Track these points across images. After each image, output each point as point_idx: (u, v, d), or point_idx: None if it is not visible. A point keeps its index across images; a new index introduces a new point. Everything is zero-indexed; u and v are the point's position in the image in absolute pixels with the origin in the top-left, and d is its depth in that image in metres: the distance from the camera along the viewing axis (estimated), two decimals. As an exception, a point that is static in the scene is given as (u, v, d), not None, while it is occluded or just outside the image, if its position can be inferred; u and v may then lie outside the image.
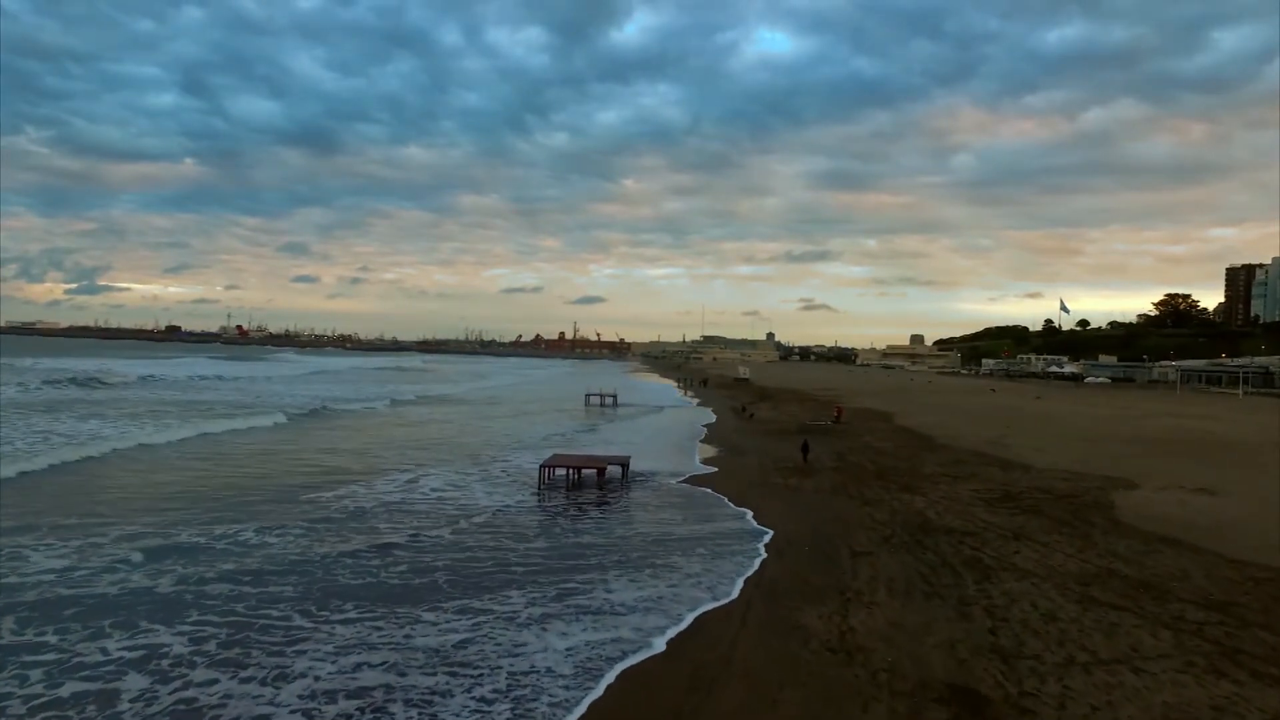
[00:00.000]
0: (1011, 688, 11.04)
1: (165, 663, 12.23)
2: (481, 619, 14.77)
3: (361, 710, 11.05)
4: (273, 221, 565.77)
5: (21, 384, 66.37)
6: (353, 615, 14.79)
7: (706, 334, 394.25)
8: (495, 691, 11.74)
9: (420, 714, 11.04)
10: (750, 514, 23.92)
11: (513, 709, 11.22)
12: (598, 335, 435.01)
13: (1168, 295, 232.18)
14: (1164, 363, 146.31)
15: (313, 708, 11.06)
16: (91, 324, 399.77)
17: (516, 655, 13.09)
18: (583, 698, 11.59)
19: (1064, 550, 18.56)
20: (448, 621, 14.64)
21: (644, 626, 14.49)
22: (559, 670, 12.54)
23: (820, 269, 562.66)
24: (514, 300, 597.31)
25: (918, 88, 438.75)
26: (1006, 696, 10.79)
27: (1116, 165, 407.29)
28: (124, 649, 12.67)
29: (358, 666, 12.46)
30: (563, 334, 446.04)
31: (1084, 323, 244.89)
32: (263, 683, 11.75)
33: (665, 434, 49.25)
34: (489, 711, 11.14)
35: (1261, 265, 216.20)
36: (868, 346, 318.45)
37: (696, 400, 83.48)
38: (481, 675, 12.28)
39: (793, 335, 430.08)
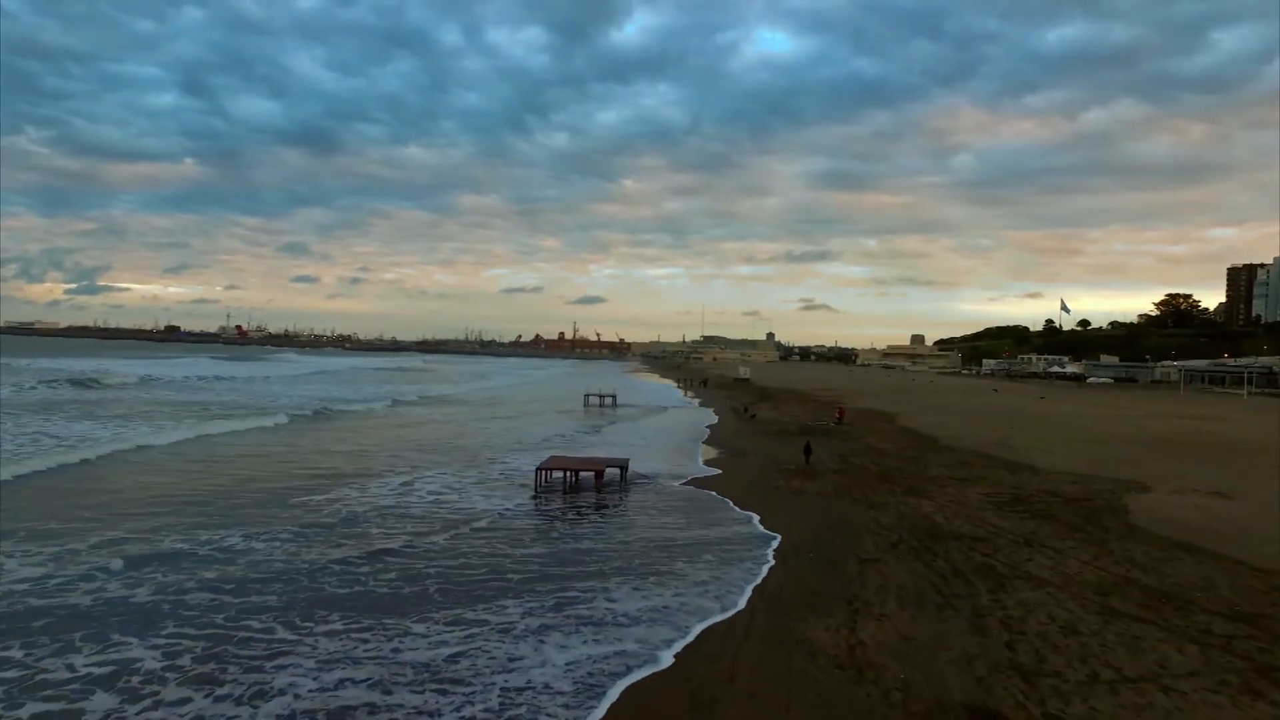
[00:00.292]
0: (1034, 708, 10.38)
1: (136, 679, 11.56)
2: (475, 631, 14.10)
3: (342, 732, 10.40)
4: (273, 221, 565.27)
5: (16, 384, 65.68)
6: (338, 626, 14.13)
7: (706, 334, 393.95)
8: (487, 711, 11.08)
9: (405, 736, 10.39)
10: (757, 518, 23.27)
11: (505, 731, 10.58)
12: (598, 335, 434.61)
13: (1169, 295, 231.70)
14: (1166, 363, 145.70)
15: (290, 729, 10.41)
16: (90, 324, 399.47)
17: (512, 670, 12.42)
18: (584, 718, 10.94)
19: (1079, 557, 17.88)
20: (439, 634, 13.97)
21: (649, 639, 13.81)
22: (558, 687, 11.86)
23: (820, 269, 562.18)
24: (514, 300, 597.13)
25: (918, 88, 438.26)
26: (1029, 718, 10.12)
27: (1116, 165, 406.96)
28: (93, 664, 12.00)
29: (341, 683, 11.79)
30: (562, 334, 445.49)
31: (1084, 323, 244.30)
32: (238, 701, 11.09)
33: (666, 435, 48.58)
34: (479, 734, 10.50)
35: (1263, 265, 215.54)
36: (868, 347, 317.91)
37: (697, 401, 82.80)
38: (473, 693, 11.61)
39: (793, 335, 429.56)
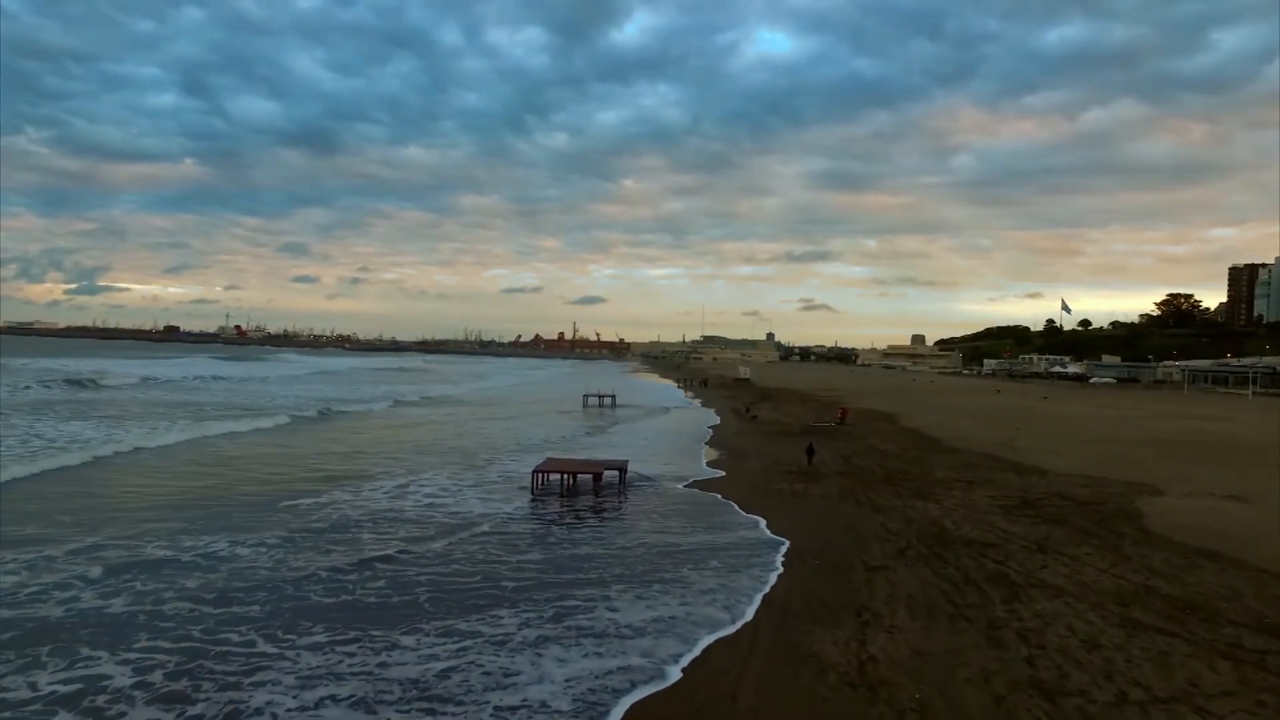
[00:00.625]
0: (1059, 731, 9.71)
1: (102, 699, 10.88)
2: (468, 643, 13.41)
3: (320, 757, 9.73)
4: (273, 222, 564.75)
5: (10, 384, 65.01)
6: (322, 639, 13.44)
7: (706, 334, 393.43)
8: (477, 732, 10.42)
9: (387, 762, 9.71)
10: (763, 522, 22.62)
11: (494, 755, 9.91)
12: (597, 335, 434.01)
13: (1170, 295, 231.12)
14: (1168, 362, 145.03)
15: (265, 754, 9.74)
16: (90, 324, 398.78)
17: (506, 687, 11.73)
18: (584, 740, 10.28)
19: (1095, 565, 17.21)
20: (429, 646, 13.29)
21: (655, 652, 13.11)
22: (556, 705, 11.19)
23: (820, 269, 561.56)
24: (514, 300, 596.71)
25: (918, 88, 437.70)
26: (1055, 742, 9.46)
27: (1116, 165, 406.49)
28: (58, 682, 11.31)
29: (322, 702, 11.12)
30: (562, 334, 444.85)
31: (1085, 323, 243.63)
32: (211, 723, 10.42)
33: (667, 436, 47.91)
34: (466, 758, 9.83)
35: (1264, 265, 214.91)
36: (868, 347, 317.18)
37: (698, 401, 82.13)
38: (465, 712, 10.93)
39: (793, 335, 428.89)
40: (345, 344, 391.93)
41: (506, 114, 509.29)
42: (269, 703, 11.01)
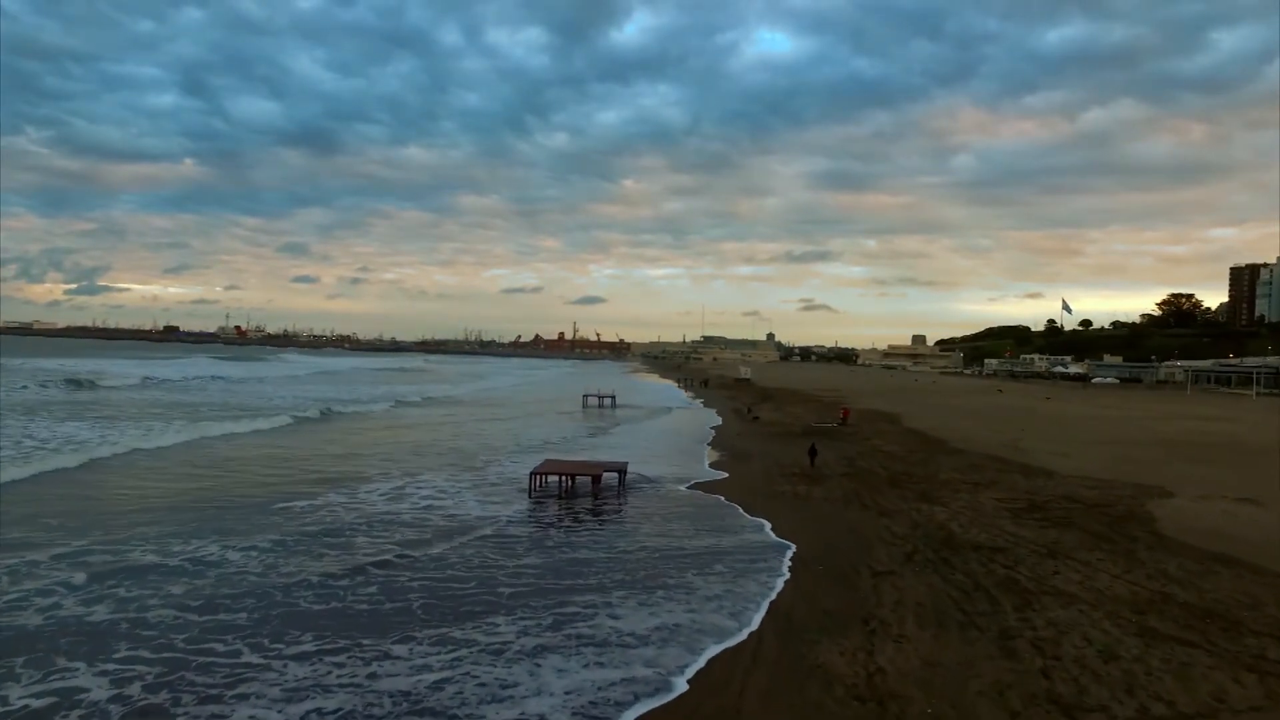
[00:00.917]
0: (1080, 750, 9.24)
1: (76, 714, 10.40)
2: (462, 653, 12.94)
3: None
4: (273, 222, 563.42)
5: (7, 385, 64.52)
6: (310, 649, 12.97)
7: (707, 334, 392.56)
8: (468, 749, 9.95)
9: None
10: (768, 525, 22.16)
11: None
12: (597, 335, 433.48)
13: (1171, 295, 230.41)
14: (1170, 363, 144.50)
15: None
16: (89, 324, 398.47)
17: (503, 700, 11.28)
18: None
19: (1108, 570, 16.72)
20: (421, 656, 12.82)
21: (660, 662, 12.64)
22: (555, 719, 10.74)
23: (820, 269, 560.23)
24: (514, 300, 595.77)
25: (918, 88, 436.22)
26: (1076, 762, 8.99)
27: (1116, 165, 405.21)
28: (30, 695, 10.84)
29: (307, 716, 10.67)
30: (562, 334, 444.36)
31: (1086, 323, 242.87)
32: (190, 740, 9.95)
33: (669, 437, 47.44)
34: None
35: (1266, 265, 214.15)
36: (868, 347, 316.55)
37: (699, 401, 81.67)
38: (456, 728, 10.48)
39: (793, 335, 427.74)
40: (345, 344, 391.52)
41: (506, 114, 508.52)
42: (251, 717, 10.55)
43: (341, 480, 28.26)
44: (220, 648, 12.76)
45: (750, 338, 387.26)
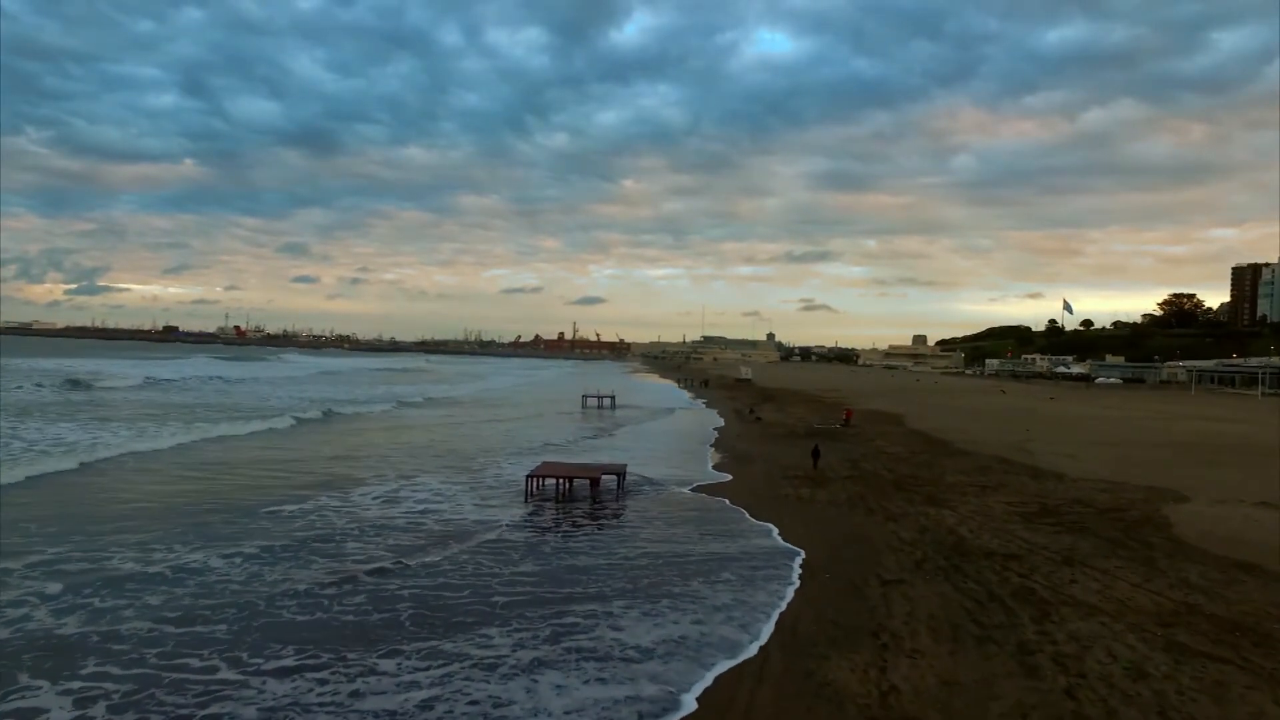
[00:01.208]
0: (1114, 780, 8.54)
1: (34, 739, 9.74)
2: (453, 668, 12.25)
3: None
4: (273, 222, 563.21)
5: (3, 385, 63.80)
6: (291, 663, 12.28)
7: (707, 334, 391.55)
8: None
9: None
10: (776, 530, 21.50)
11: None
12: (597, 336, 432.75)
13: (1172, 295, 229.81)
14: (1173, 363, 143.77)
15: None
16: (89, 324, 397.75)
17: (497, 720, 10.59)
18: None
19: (1127, 579, 16.03)
20: (409, 672, 12.13)
21: (667, 678, 11.94)
22: (551, 745, 10.09)
23: (820, 269, 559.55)
24: (514, 301, 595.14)
25: (918, 88, 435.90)
26: (1111, 794, 8.30)
27: (1116, 165, 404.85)
28: (-13, 719, 10.18)
29: (283, 740, 9.98)
30: (562, 334, 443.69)
31: (1087, 323, 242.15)
32: (156, 766, 9.26)
33: (670, 438, 46.74)
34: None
35: (1268, 264, 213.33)
36: (869, 347, 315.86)
37: (700, 401, 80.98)
38: (442, 751, 9.79)
39: (793, 336, 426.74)
40: (344, 344, 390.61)
41: (506, 114, 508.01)
42: (224, 741, 9.87)
43: (335, 483, 27.58)
44: (195, 663, 12.08)
45: (750, 338, 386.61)
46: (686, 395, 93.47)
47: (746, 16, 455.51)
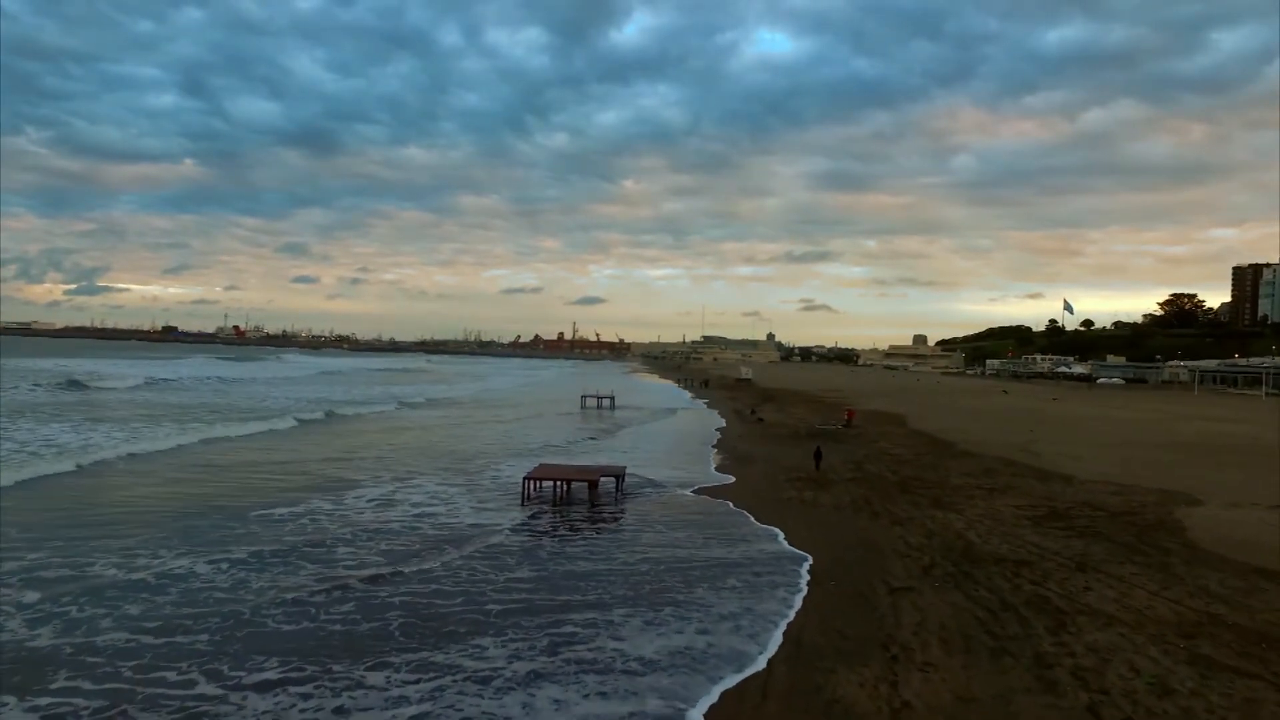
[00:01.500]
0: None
1: (-5, 762, 9.19)
2: (445, 681, 11.72)
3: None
4: (272, 222, 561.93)
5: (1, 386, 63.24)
6: (274, 676, 11.73)
7: (707, 334, 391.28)
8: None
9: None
10: (781, 534, 20.96)
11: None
12: (597, 336, 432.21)
13: (1173, 295, 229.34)
14: (1174, 363, 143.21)
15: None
16: (88, 324, 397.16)
17: (490, 740, 10.07)
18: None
19: (1145, 587, 15.47)
20: (398, 686, 11.59)
21: (672, 693, 11.39)
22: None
23: (820, 269, 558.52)
24: (514, 301, 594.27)
25: (918, 88, 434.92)
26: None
27: (1116, 166, 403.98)
28: (-53, 740, 9.63)
29: (261, 761, 9.42)
30: (562, 334, 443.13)
31: (1088, 323, 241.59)
32: (123, 791, 8.70)
33: (672, 438, 46.16)
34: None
35: (1269, 265, 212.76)
36: (869, 347, 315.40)
37: (701, 402, 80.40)
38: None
39: (793, 336, 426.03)
40: (344, 344, 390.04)
41: (506, 114, 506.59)
42: (198, 762, 9.31)
43: (330, 485, 27.05)
44: (173, 676, 11.51)
45: (750, 338, 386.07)
46: (687, 395, 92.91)
47: (746, 16, 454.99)
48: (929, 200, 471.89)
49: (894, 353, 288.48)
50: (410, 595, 15.61)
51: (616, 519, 23.36)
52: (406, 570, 17.28)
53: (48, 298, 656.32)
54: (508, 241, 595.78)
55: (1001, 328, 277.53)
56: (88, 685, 11.07)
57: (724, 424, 54.39)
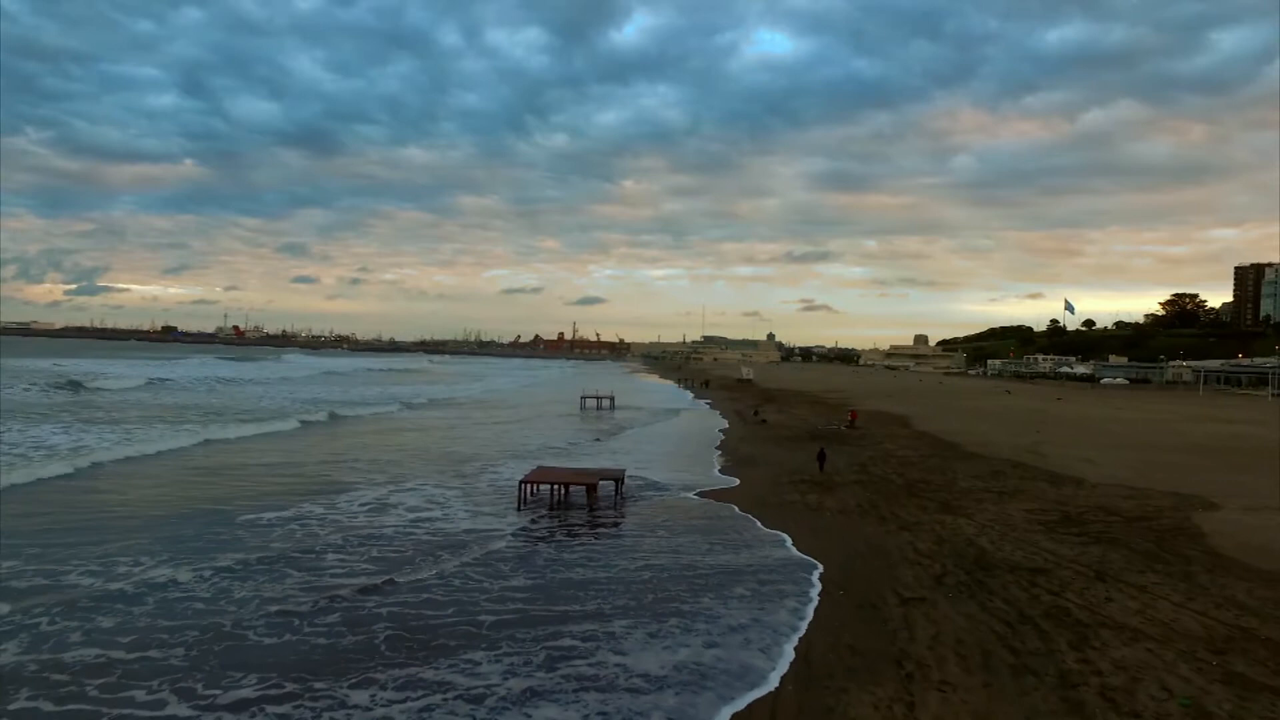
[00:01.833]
0: None
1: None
2: (434, 699, 11.06)
3: None
4: (272, 222, 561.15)
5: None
6: (251, 694, 11.06)
7: (707, 334, 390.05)
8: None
9: None
10: (789, 539, 20.29)
11: None
12: (597, 336, 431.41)
13: (1174, 295, 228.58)
14: (1178, 363, 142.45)
15: None
16: (87, 324, 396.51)
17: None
18: None
19: (1168, 597, 14.77)
20: (384, 705, 10.94)
21: (682, 713, 10.69)
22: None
23: (820, 270, 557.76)
24: (514, 301, 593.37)
25: (917, 89, 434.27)
26: None
27: (1116, 166, 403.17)
28: (-110, 770, 8.94)
29: (230, 792, 8.73)
30: (562, 335, 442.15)
31: (1089, 323, 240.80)
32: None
33: (674, 440, 45.41)
34: None
35: (1271, 264, 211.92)
36: (869, 347, 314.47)
37: (702, 402, 79.68)
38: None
39: (793, 336, 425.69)
40: (344, 344, 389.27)
41: (506, 115, 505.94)
42: (163, 793, 8.62)
43: (322, 489, 26.33)
44: (141, 696, 10.83)
45: (750, 338, 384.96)
46: (689, 396, 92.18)
47: (746, 16, 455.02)
48: (929, 200, 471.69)
49: (895, 353, 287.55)
50: (399, 605, 14.92)
51: (616, 524, 22.67)
52: (396, 578, 16.57)
53: (48, 298, 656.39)
54: (508, 241, 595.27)
55: (1003, 328, 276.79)
56: (48, 706, 10.39)
57: (726, 425, 53.68)
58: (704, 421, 58.00)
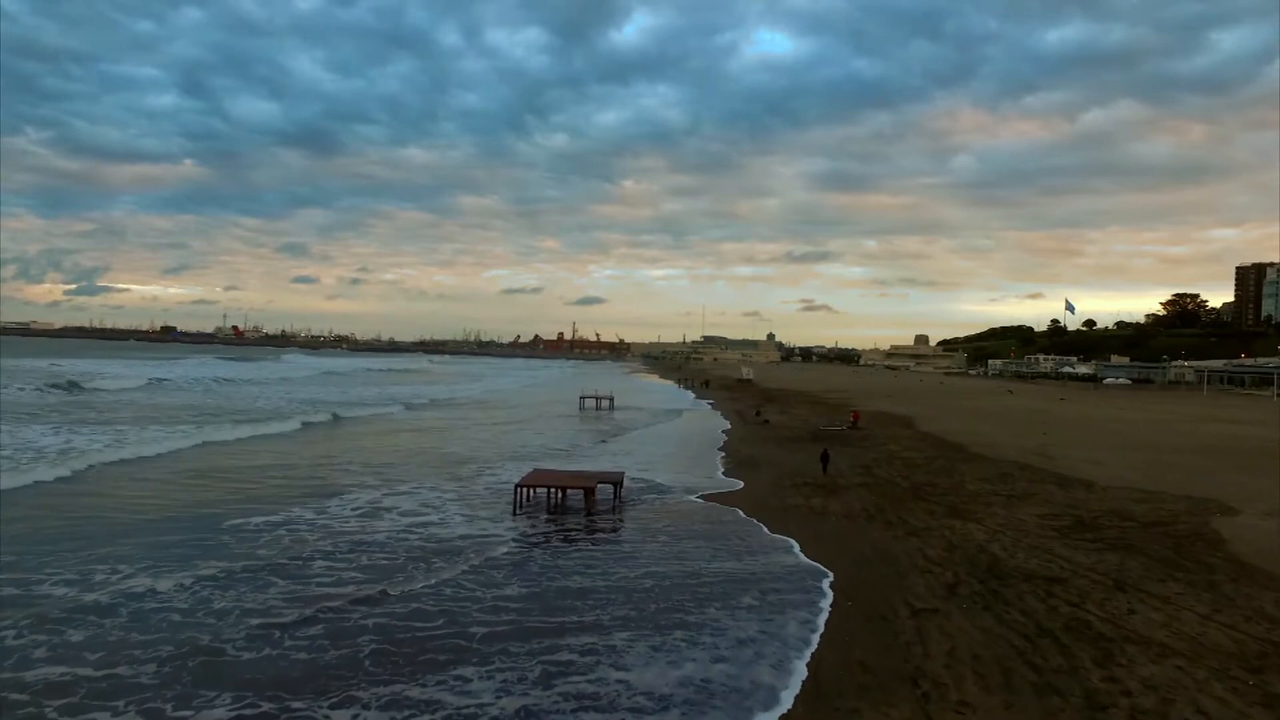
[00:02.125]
0: None
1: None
2: None
3: None
4: (272, 222, 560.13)
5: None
6: (224, 714, 10.41)
7: (707, 335, 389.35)
8: None
9: None
10: (796, 545, 19.61)
11: None
12: (597, 336, 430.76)
13: (1175, 295, 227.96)
14: (1180, 363, 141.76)
15: None
16: (87, 324, 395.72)
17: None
18: None
19: (1194, 609, 14.07)
20: (365, 726, 10.23)
21: None
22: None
23: (820, 270, 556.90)
24: (514, 301, 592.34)
25: (917, 89, 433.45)
26: None
27: (1116, 166, 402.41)
28: None
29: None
30: (562, 335, 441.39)
31: (1090, 323, 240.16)
32: None
33: (675, 441, 44.69)
34: None
35: (1272, 264, 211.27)
36: (869, 347, 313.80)
37: (703, 402, 78.99)
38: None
39: (793, 336, 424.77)
40: (343, 344, 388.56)
41: (506, 115, 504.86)
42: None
43: (313, 492, 25.63)
44: (104, 718, 10.13)
45: (750, 338, 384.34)
46: (690, 396, 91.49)
47: (746, 16, 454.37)
48: (929, 200, 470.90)
49: (895, 353, 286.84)
50: (386, 616, 14.24)
51: (616, 529, 22.00)
52: (386, 588, 15.87)
53: (47, 298, 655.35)
54: (508, 242, 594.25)
55: (1003, 328, 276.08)
56: (4, 732, 9.71)
57: (728, 426, 52.97)
58: (705, 422, 57.31)
